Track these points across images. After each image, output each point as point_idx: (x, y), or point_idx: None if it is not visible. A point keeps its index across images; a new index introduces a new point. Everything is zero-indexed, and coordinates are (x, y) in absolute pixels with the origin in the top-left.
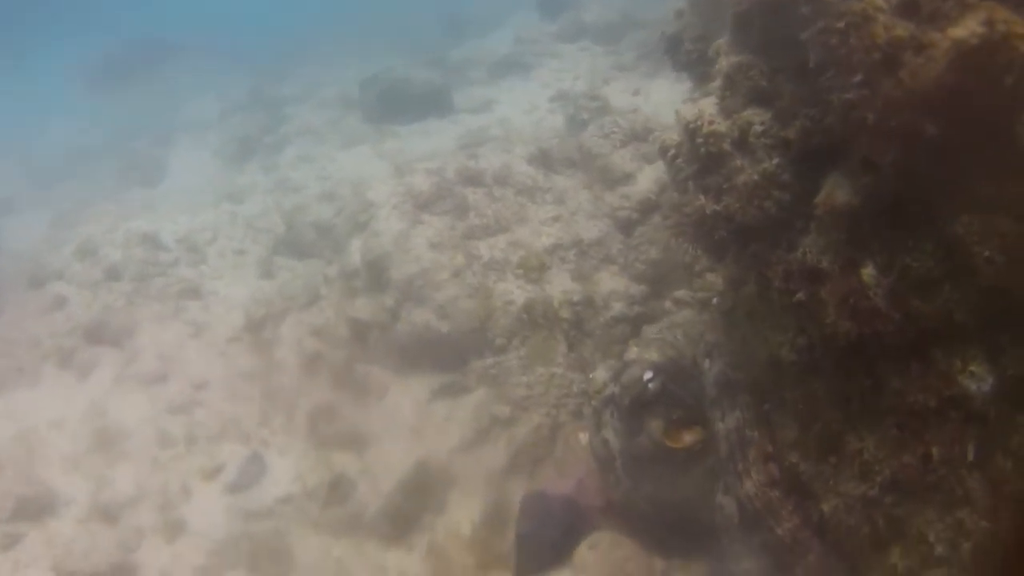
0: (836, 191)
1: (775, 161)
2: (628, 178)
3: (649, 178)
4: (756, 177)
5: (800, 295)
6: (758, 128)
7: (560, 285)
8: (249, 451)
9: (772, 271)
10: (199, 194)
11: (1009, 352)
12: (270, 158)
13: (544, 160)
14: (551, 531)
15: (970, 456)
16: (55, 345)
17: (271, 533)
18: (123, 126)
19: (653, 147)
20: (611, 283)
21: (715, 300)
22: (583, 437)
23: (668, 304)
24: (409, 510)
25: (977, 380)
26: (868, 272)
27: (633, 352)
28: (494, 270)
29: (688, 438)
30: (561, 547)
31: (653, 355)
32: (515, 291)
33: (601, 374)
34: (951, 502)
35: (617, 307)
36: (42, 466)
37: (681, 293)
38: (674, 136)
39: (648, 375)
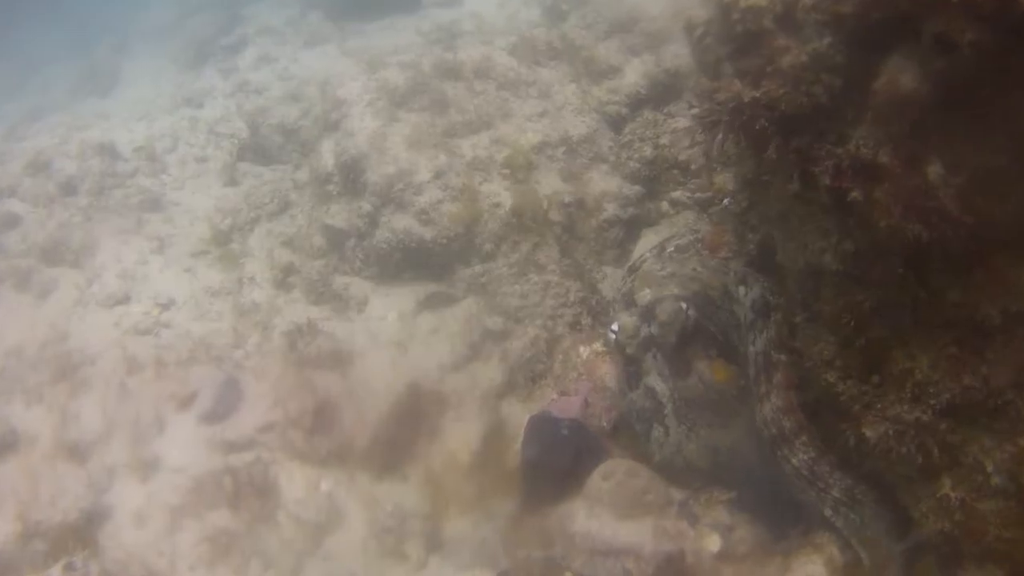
0: (901, 76)
1: (827, 40)
2: (615, 71)
3: (637, 71)
4: (804, 58)
5: (855, 194)
6: (807, 1)
7: (549, 185)
8: (224, 375)
9: (820, 167)
10: (156, 100)
11: None
12: (229, 60)
13: (527, 51)
14: (561, 459)
15: None
16: (10, 267)
17: (253, 466)
18: (75, 35)
19: (639, 39)
20: (603, 183)
21: (726, 201)
22: (583, 351)
23: (665, 206)
24: (401, 437)
25: None
26: (934, 170)
27: (645, 294)
28: (478, 170)
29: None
30: (571, 476)
31: (674, 290)
32: (502, 192)
33: (626, 318)
34: (1014, 429)
35: (610, 209)
36: (1, 400)
37: (678, 194)
38: (701, 12)
39: (684, 306)
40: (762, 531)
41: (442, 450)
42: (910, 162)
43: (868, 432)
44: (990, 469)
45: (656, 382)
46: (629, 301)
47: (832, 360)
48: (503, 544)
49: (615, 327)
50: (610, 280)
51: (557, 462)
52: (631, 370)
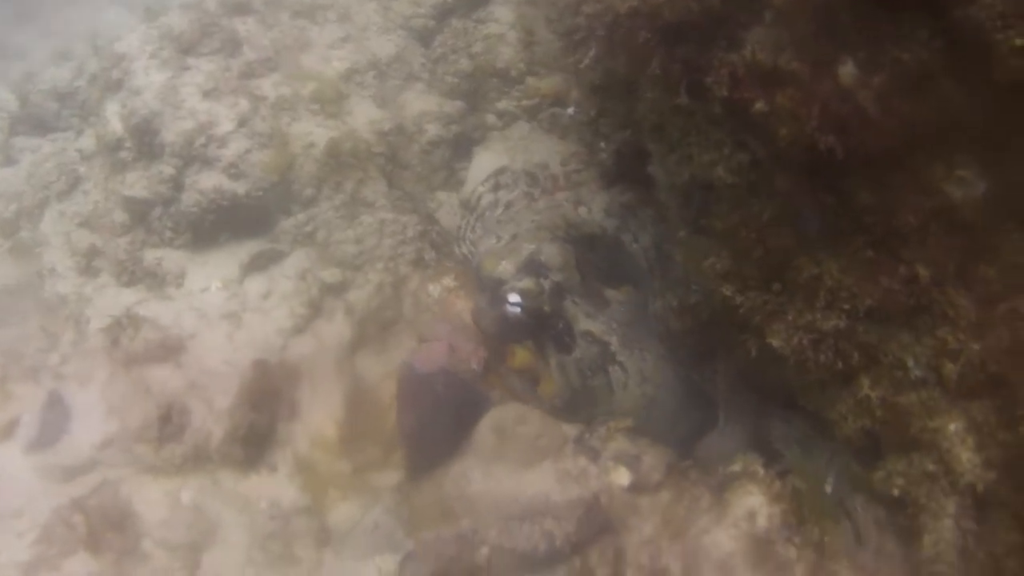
0: None
1: None
2: None
3: None
4: None
5: (760, 105)
6: None
7: (364, 115)
8: (44, 391)
9: (714, 77)
10: None
11: (1017, 154)
12: None
13: None
14: (443, 422)
15: None
16: None
17: (101, 492)
18: None
19: None
20: (420, 103)
21: (570, 110)
22: (433, 289)
23: (491, 118)
24: (259, 423)
25: (964, 186)
26: (847, 71)
27: (505, 266)
28: (285, 110)
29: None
30: (457, 434)
31: (530, 246)
32: (315, 131)
33: (520, 283)
34: (934, 323)
35: (432, 129)
36: None
37: (503, 104)
38: None
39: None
40: (671, 455)
41: (306, 428)
42: (817, 64)
43: (775, 341)
44: (910, 364)
45: (589, 324)
46: (485, 283)
47: (727, 273)
48: (400, 523)
49: (514, 298)
50: (446, 208)
51: (439, 426)
52: (559, 329)
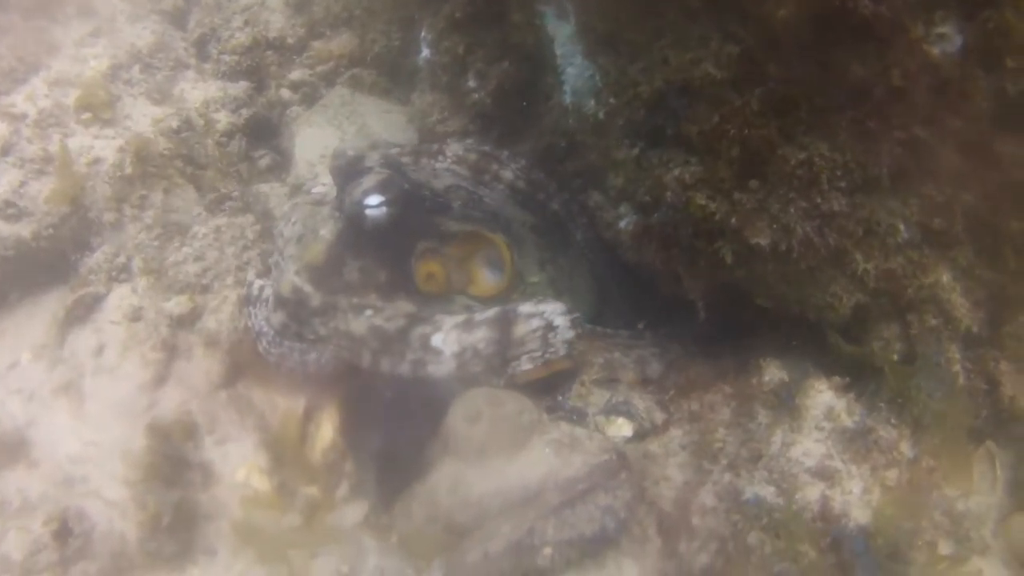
0: None
1: None
2: None
3: None
4: None
5: None
6: None
7: (145, 116)
8: None
9: None
10: None
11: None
12: None
13: None
14: (413, 430)
15: None
16: None
17: None
18: None
19: None
20: (199, 91)
21: (424, 55)
22: None
23: (286, 93)
24: (179, 500)
25: (944, 42)
26: None
27: (326, 232)
28: (53, 126)
29: None
30: (427, 435)
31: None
32: (95, 144)
33: (364, 183)
34: (917, 183)
35: (222, 118)
36: None
37: (296, 75)
38: None
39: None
40: (661, 388)
41: (231, 488)
42: None
43: (761, 240)
44: (901, 228)
45: (442, 180)
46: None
47: (698, 181)
48: (406, 561)
49: (373, 200)
50: (274, 198)
51: (410, 437)
52: (430, 197)
